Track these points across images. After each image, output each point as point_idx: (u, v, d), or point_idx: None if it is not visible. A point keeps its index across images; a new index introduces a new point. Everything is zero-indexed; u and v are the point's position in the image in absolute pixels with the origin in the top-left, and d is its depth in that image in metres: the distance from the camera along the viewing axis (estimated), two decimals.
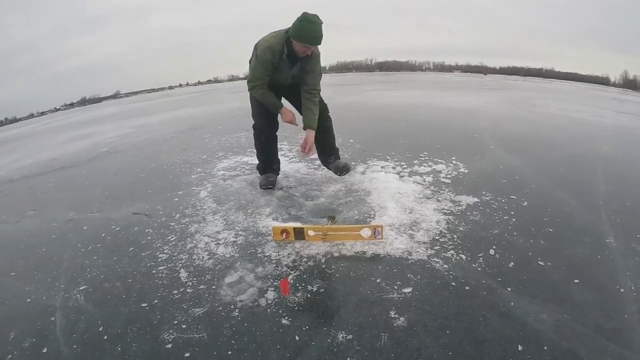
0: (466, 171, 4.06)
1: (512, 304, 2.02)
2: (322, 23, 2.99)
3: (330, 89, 16.50)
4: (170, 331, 1.88)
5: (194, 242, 2.75)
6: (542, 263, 2.39)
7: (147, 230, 2.98)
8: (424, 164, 4.26)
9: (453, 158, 4.46)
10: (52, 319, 2.06)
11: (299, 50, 3.07)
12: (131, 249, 2.73)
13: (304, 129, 3.30)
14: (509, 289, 2.13)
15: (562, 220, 2.98)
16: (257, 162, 4.04)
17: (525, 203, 3.26)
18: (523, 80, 36.90)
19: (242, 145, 5.62)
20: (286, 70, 3.23)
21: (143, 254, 2.64)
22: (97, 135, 9.04)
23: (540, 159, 4.66)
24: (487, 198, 3.33)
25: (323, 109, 3.50)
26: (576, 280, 2.22)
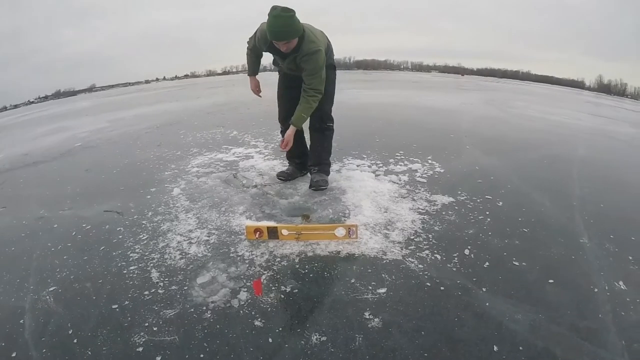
0: (442, 171, 4.09)
1: (487, 304, 2.04)
2: (290, 16, 2.77)
3: None
4: (142, 334, 1.84)
5: (165, 240, 2.70)
6: (517, 263, 2.42)
7: (118, 229, 2.91)
8: (400, 163, 4.28)
9: (429, 157, 4.50)
10: (21, 321, 2.00)
11: (278, 46, 2.95)
12: (102, 247, 2.66)
13: (290, 122, 3.22)
14: (484, 289, 2.16)
15: (537, 220, 3.02)
16: (231, 158, 3.98)
17: (501, 203, 3.30)
18: (499, 81, 37.47)
19: (217, 142, 5.57)
20: (280, 59, 3.17)
21: (114, 253, 2.58)
22: (71, 129, 8.80)
23: (517, 160, 4.73)
24: (463, 198, 3.37)
25: (325, 117, 3.45)
26: (551, 280, 2.25)
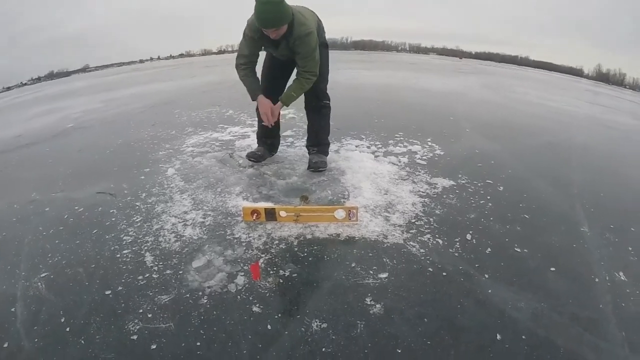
0: (442, 153, 4.02)
1: (489, 291, 2.01)
2: (279, 2, 2.66)
3: None
4: (136, 321, 1.79)
5: (160, 223, 2.63)
6: (518, 250, 2.38)
7: (111, 211, 2.83)
8: (399, 145, 4.21)
9: (429, 139, 4.42)
10: (12, 310, 1.93)
11: (268, 34, 2.82)
12: (94, 231, 2.58)
13: (280, 98, 3.14)
14: (486, 276, 2.12)
15: (538, 207, 2.97)
16: (227, 138, 3.89)
17: (501, 188, 3.24)
18: (497, 66, 37.36)
19: (213, 121, 5.47)
20: (272, 49, 3.06)
21: (107, 236, 2.50)
22: (64, 110, 8.62)
23: (516, 145, 4.67)
24: (463, 181, 3.31)
25: (321, 94, 3.35)
26: (552, 269, 2.22)
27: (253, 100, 3.20)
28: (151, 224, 2.62)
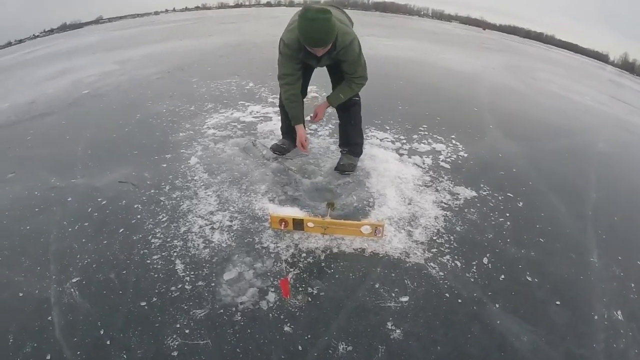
0: (465, 155, 4.18)
1: (497, 322, 2.24)
2: (327, 18, 2.61)
3: None
4: (174, 336, 2.00)
5: (187, 224, 2.82)
6: (529, 279, 2.58)
7: (135, 206, 3.01)
8: (424, 141, 4.37)
9: (453, 137, 4.57)
10: (49, 318, 2.12)
11: (314, 52, 2.81)
12: (121, 230, 2.77)
13: (327, 97, 3.24)
14: (497, 305, 2.34)
15: (553, 229, 3.15)
16: (249, 119, 4.08)
17: (521, 204, 3.41)
18: (522, 42, 36.64)
19: (233, 96, 5.62)
20: (314, 62, 3.06)
21: (134, 237, 2.69)
22: (77, 71, 8.68)
23: (538, 149, 4.78)
24: (485, 193, 3.48)
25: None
26: (557, 302, 2.44)
27: (293, 124, 3.26)
28: (178, 225, 2.81)
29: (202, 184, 3.32)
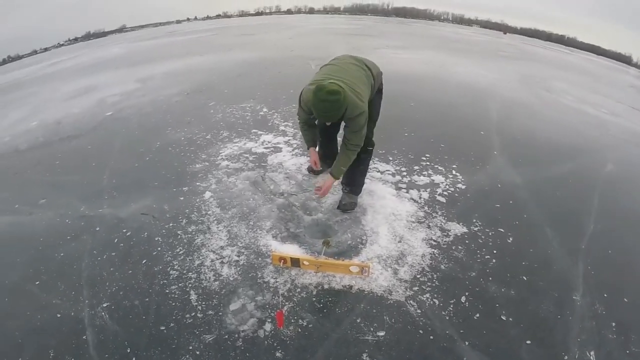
0: (463, 187, 4.74)
1: (464, 358, 2.76)
2: (336, 99, 3.12)
3: (343, 42, 17.05)
4: (187, 356, 2.69)
5: (200, 258, 3.51)
6: (504, 318, 3.03)
7: (156, 239, 3.74)
8: (424, 172, 4.97)
9: (454, 166, 5.16)
10: (84, 337, 2.84)
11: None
12: (144, 261, 3.49)
13: (330, 172, 3.73)
14: (467, 343, 2.86)
15: (539, 266, 3.59)
16: (260, 150, 5.05)
17: (511, 239, 3.91)
18: (542, 46, 36.72)
19: (247, 123, 6.40)
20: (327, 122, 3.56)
21: (155, 268, 3.41)
22: (101, 89, 9.85)
23: (541, 175, 5.29)
24: (476, 229, 4.03)
25: (366, 140, 3.78)
26: (528, 342, 2.86)
27: (308, 148, 3.96)
28: (193, 259, 3.51)
29: (214, 218, 4.01)
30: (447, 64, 13.22)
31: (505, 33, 49.89)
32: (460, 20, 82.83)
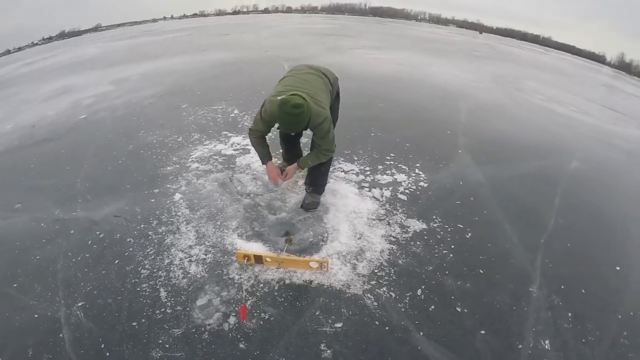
0: (425, 185, 5.01)
1: (419, 347, 2.99)
2: (300, 112, 3.40)
3: (319, 42, 17.32)
4: (157, 349, 2.91)
5: (170, 257, 3.73)
6: (459, 309, 3.23)
7: (128, 240, 3.95)
8: (387, 172, 5.23)
9: (417, 165, 5.44)
10: (61, 335, 3.05)
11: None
12: (116, 261, 3.70)
13: (297, 162, 4.05)
14: (421, 333, 3.06)
15: (497, 260, 3.82)
16: (230, 152, 5.33)
17: (469, 235, 4.16)
18: (517, 45, 37.52)
19: (218, 125, 6.67)
20: (287, 131, 3.84)
21: (127, 268, 3.62)
22: (76, 90, 10.05)
23: (505, 174, 5.58)
24: (435, 225, 4.28)
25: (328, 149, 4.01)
26: (482, 332, 3.05)
27: (263, 164, 4.19)
28: (162, 258, 3.72)
29: (184, 219, 4.24)
30: (421, 65, 13.65)
31: (481, 33, 50.81)
32: (437, 20, 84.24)
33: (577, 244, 4.25)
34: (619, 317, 3.44)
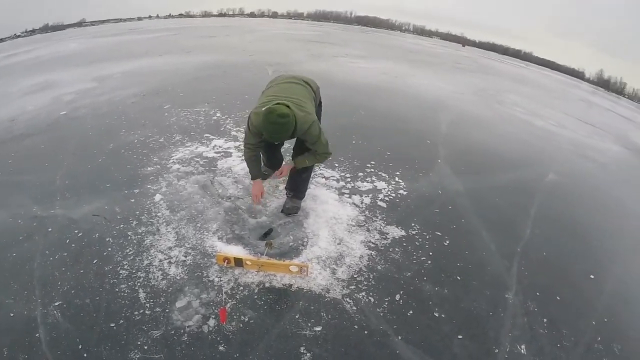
0: (405, 193, 5.08)
1: (397, 351, 3.04)
2: (286, 122, 3.39)
3: (303, 49, 17.43)
4: (136, 351, 2.88)
5: (149, 258, 3.70)
6: (437, 314, 3.29)
7: (107, 240, 3.90)
8: (367, 179, 5.29)
9: (397, 173, 5.51)
10: (37, 335, 2.99)
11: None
12: (95, 261, 3.66)
13: (293, 159, 4.06)
14: (399, 337, 3.13)
15: (474, 267, 3.92)
16: (211, 155, 5.27)
17: (447, 242, 4.25)
18: (499, 59, 38.41)
19: (200, 127, 6.63)
20: (276, 141, 3.89)
21: (106, 268, 3.58)
22: (57, 86, 9.88)
23: (482, 184, 5.69)
24: (414, 232, 4.35)
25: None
26: (460, 336, 3.12)
27: (253, 180, 4.17)
28: (142, 259, 3.69)
29: (164, 220, 4.21)
30: (404, 75, 13.85)
31: (464, 46, 51.96)
32: (421, 32, 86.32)
33: (552, 253, 4.38)
34: (593, 323, 3.55)
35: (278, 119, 3.38)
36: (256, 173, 4.10)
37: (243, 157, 4.22)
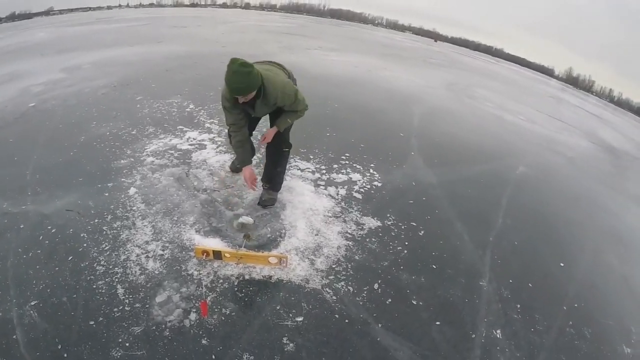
0: (379, 185, 5.14)
1: (378, 338, 3.10)
2: (248, 72, 3.25)
3: (276, 41, 17.32)
4: (117, 349, 2.82)
5: (126, 253, 3.63)
6: (414, 302, 3.44)
7: (82, 235, 3.80)
8: (342, 171, 5.33)
9: (372, 165, 5.57)
10: (14, 337, 2.88)
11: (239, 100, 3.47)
12: (70, 257, 3.55)
13: (272, 125, 3.97)
14: (380, 325, 3.20)
15: (448, 256, 4.06)
16: (185, 147, 5.23)
17: (422, 232, 4.35)
18: (471, 56, 39.04)
19: (173, 119, 6.53)
20: (250, 111, 3.74)
21: (82, 264, 3.48)
22: (25, 76, 9.43)
23: (454, 176, 5.81)
24: (389, 223, 4.42)
25: (284, 143, 4.19)
26: (437, 322, 3.25)
27: (241, 166, 4.08)
28: (119, 254, 3.62)
29: (139, 214, 4.13)
30: (377, 68, 13.93)
31: (436, 41, 52.47)
32: (394, 26, 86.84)
33: (523, 242, 4.55)
34: (565, 308, 3.70)
35: (240, 68, 3.25)
36: (245, 159, 3.99)
37: (231, 144, 4.12)
